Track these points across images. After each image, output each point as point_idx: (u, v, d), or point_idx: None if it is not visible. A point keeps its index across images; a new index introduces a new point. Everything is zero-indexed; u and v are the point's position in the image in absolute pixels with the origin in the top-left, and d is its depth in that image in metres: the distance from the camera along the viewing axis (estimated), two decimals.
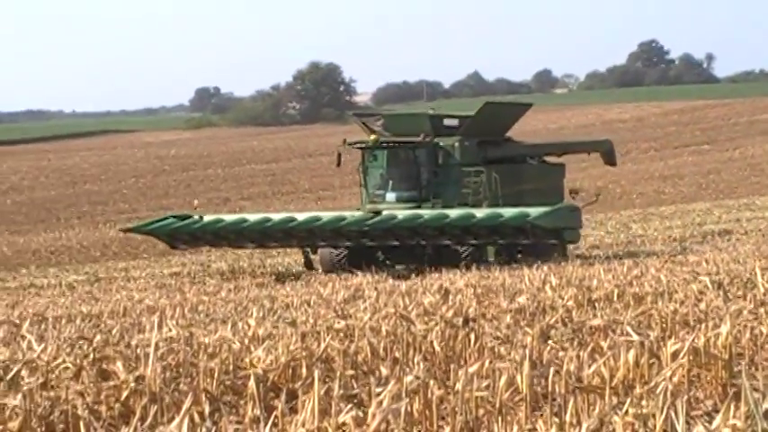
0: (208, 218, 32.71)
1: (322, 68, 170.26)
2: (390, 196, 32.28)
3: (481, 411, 8.85)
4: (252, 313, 16.90)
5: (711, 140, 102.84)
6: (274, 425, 7.63)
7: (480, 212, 29.91)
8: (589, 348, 10.77)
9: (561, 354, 10.84)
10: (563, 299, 16.04)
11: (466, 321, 13.53)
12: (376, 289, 21.73)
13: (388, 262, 31.24)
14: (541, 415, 8.78)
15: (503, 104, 36.92)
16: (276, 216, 31.98)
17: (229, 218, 32.81)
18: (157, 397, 9.92)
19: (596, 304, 15.70)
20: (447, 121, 33.49)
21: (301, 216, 31.49)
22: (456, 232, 29.76)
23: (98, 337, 13.95)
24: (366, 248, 30.92)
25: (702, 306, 13.97)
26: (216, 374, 10.77)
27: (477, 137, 32.83)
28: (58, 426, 9.47)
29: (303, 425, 7.75)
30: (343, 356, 11.62)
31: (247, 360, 11.24)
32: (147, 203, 75.94)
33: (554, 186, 33.73)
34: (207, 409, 9.75)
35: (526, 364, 9.16)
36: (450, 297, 17.64)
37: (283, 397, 9.09)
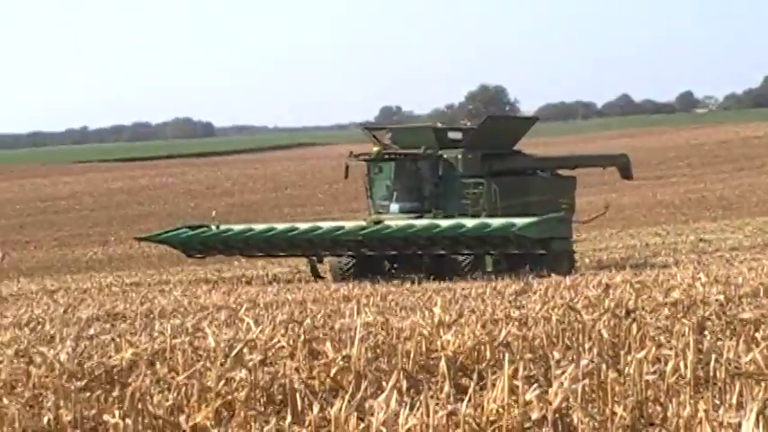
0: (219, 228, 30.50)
1: (490, 90, 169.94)
2: (394, 207, 29.83)
3: (649, 393, 8.69)
4: (437, 303, 16.85)
5: None
6: (469, 400, 7.54)
7: (469, 222, 27.74)
8: (743, 338, 10.53)
9: (719, 343, 10.60)
10: (713, 294, 15.72)
11: (628, 313, 13.33)
12: (543, 283, 21.55)
13: (393, 272, 28.76)
14: (702, 397, 8.60)
15: (505, 118, 35.59)
16: (280, 226, 30.22)
17: (237, 227, 30.85)
18: (362, 374, 9.92)
19: (743, 299, 15.37)
20: (451, 134, 30.97)
21: (303, 225, 29.81)
22: (446, 242, 27.47)
23: (307, 321, 14.03)
24: (373, 258, 28.64)
25: None
26: (411, 355, 10.76)
27: (481, 149, 30.23)
28: (276, 397, 9.52)
29: (495, 401, 7.66)
30: (522, 342, 11.51)
31: (438, 343, 11.19)
32: (338, 206, 76.46)
33: (564, 198, 30.90)
34: (404, 386, 9.70)
35: (690, 351, 8.97)
36: (611, 291, 17.43)
37: (476, 376, 9.02)
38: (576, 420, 7.91)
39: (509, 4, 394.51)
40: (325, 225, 29.31)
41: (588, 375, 8.90)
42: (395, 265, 28.85)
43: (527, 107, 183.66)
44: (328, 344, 10.90)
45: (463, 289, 21.61)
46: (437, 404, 7.42)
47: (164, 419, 8.47)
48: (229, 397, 9.06)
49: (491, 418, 7.49)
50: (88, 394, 9.34)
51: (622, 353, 10.50)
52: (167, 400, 9.01)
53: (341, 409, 7.37)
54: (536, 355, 11.09)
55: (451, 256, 28.16)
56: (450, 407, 7.44)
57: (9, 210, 74.59)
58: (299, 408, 8.86)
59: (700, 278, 18.99)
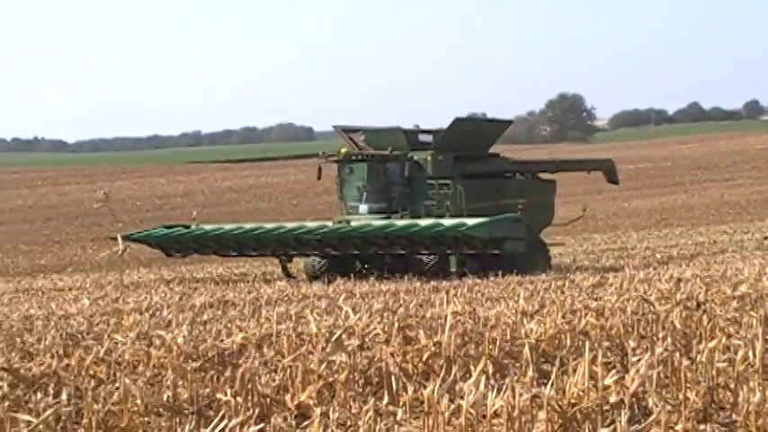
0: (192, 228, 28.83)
1: (568, 98, 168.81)
2: (363, 208, 28.00)
3: (720, 379, 8.58)
4: (520, 294, 16.77)
5: None
6: (551, 384, 7.49)
7: (423, 222, 26.05)
8: None
9: None
10: None
11: (698, 305, 13.17)
12: (618, 276, 21.36)
13: (364, 271, 26.74)
14: None
15: (474, 121, 30.46)
16: (247, 225, 28.45)
17: (208, 227, 28.90)
18: (452, 359, 9.90)
19: None
20: (422, 137, 28.81)
21: (269, 225, 28.04)
22: (402, 241, 25.63)
23: (400, 310, 14.03)
24: (344, 258, 26.82)
25: None
26: (497, 342, 10.72)
27: (452, 152, 28.07)
28: (373, 379, 9.52)
29: (575, 385, 7.60)
30: (599, 331, 11.42)
31: (522, 331, 11.14)
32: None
33: (542, 201, 28.86)
34: (491, 370, 9.67)
35: (758, 341, 8.84)
36: (682, 285, 17.23)
37: (557, 363, 8.96)
38: (651, 404, 7.84)
39: (589, 19, 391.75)
40: (289, 225, 27.69)
41: (662, 363, 8.82)
42: (366, 265, 27.11)
43: (603, 114, 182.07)
44: (421, 331, 10.90)
45: (543, 282, 21.49)
46: (522, 387, 7.38)
47: (271, 398, 8.51)
48: (330, 378, 9.08)
49: (572, 401, 7.44)
50: (203, 374, 9.42)
51: (694, 342, 10.40)
52: (274, 381, 9.06)
53: (433, 391, 7.35)
54: (613, 344, 11.00)
55: (416, 256, 26.41)
56: (534, 390, 7.39)
57: (130, 206, 75.38)
58: (395, 389, 8.86)
59: (766, 273, 18.73)
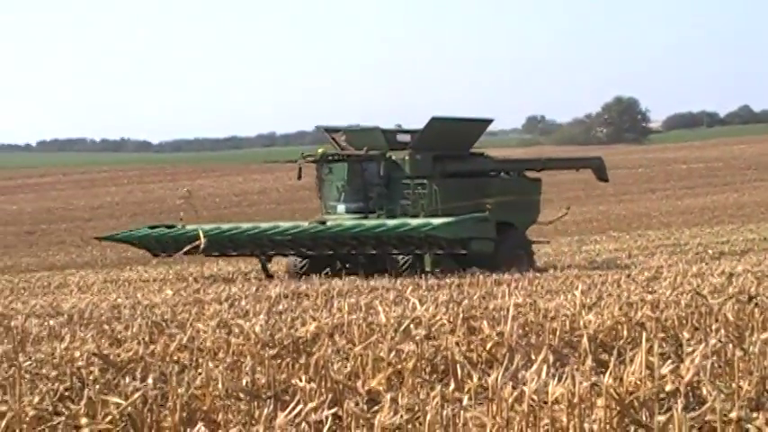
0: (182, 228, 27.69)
1: (624, 101, 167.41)
2: (341, 208, 26.89)
3: None
4: (578, 287, 16.68)
5: None
6: (610, 373, 7.43)
7: (391, 222, 24.89)
8: None
9: None
10: None
11: (750, 298, 13.01)
12: (671, 271, 21.18)
13: (344, 270, 25.44)
14: None
15: (451, 120, 28.30)
16: (225, 225, 27.49)
17: (190, 227, 27.49)
18: (514, 348, 9.86)
19: None
20: (400, 137, 27.51)
21: (245, 225, 27.08)
22: (372, 241, 24.51)
23: (465, 301, 14.00)
24: (325, 258, 25.60)
25: None
26: (557, 333, 10.66)
27: (430, 151, 26.72)
28: (440, 367, 9.50)
29: (633, 374, 7.54)
30: (655, 323, 11.31)
31: (580, 322, 11.07)
32: None
33: (527, 200, 27.55)
34: (551, 359, 9.61)
35: None
36: (734, 279, 17.05)
37: (615, 353, 8.90)
38: (705, 393, 7.76)
39: (644, 26, 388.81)
40: (264, 225, 26.62)
41: (716, 353, 8.73)
42: (347, 265, 25.82)
43: (657, 116, 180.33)
44: (484, 322, 10.86)
45: (600, 276, 21.36)
46: (581, 376, 7.33)
47: (343, 384, 8.53)
48: (399, 366, 9.07)
49: (629, 389, 7.37)
50: (279, 361, 9.45)
51: (746, 334, 10.27)
52: (346, 368, 9.08)
53: (497, 379, 7.32)
54: (668, 335, 10.89)
55: (392, 255, 25.40)
56: (593, 378, 7.34)
57: (210, 203, 75.86)
58: (460, 377, 8.84)
59: None
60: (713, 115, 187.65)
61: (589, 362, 8.52)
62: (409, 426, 7.04)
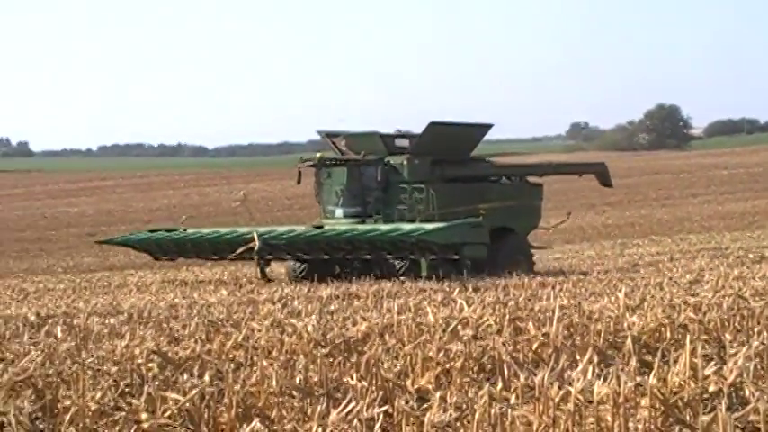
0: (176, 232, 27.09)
1: (666, 109, 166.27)
2: (339, 212, 26.11)
3: None
4: (621, 289, 16.57)
5: None
6: (654, 374, 7.38)
7: (384, 226, 24.13)
8: None
9: None
10: None
11: None
12: (713, 275, 20.98)
13: (342, 274, 24.72)
14: None
15: (449, 125, 26.95)
16: (223, 230, 26.73)
17: (191, 231, 27.01)
18: (559, 349, 9.81)
19: None
20: (398, 142, 26.63)
21: (242, 229, 26.21)
22: (366, 245, 23.72)
23: (511, 303, 13.95)
24: (324, 262, 24.85)
25: None
26: (601, 334, 10.60)
27: (429, 156, 25.84)
28: (486, 367, 9.48)
29: (677, 375, 7.49)
30: (697, 325, 11.21)
31: (624, 324, 11.00)
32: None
33: (528, 205, 26.77)
34: (596, 360, 9.55)
35: None
36: None
37: (659, 354, 8.84)
38: (747, 394, 7.68)
39: (686, 33, 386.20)
40: (261, 229, 25.72)
41: (758, 355, 8.64)
42: (345, 269, 25.08)
43: (698, 123, 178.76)
44: (530, 323, 10.82)
45: (642, 278, 21.22)
46: (626, 376, 7.28)
47: (393, 382, 8.52)
48: (447, 365, 9.06)
49: (673, 390, 7.32)
50: (331, 360, 9.47)
51: None
52: (396, 367, 9.07)
53: (543, 378, 7.28)
54: (710, 337, 10.80)
55: (389, 260, 24.58)
56: (637, 379, 7.29)
57: (263, 206, 76.13)
58: (507, 376, 8.80)
59: None
60: (753, 122, 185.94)
61: (633, 363, 8.45)
62: (458, 423, 7.02)
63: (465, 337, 9.99)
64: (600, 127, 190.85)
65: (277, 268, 27.85)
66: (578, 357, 9.45)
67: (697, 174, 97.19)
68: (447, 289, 19.10)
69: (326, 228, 24.88)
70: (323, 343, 10.24)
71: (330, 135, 27.42)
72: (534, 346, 9.87)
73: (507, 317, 11.41)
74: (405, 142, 26.67)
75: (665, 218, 65.28)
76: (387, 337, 10.90)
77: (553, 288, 18.18)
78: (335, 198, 26.30)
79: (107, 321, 14.38)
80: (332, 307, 15.43)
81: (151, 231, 28.04)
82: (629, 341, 9.88)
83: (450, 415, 6.97)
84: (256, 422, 7.14)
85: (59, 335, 12.31)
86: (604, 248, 40.84)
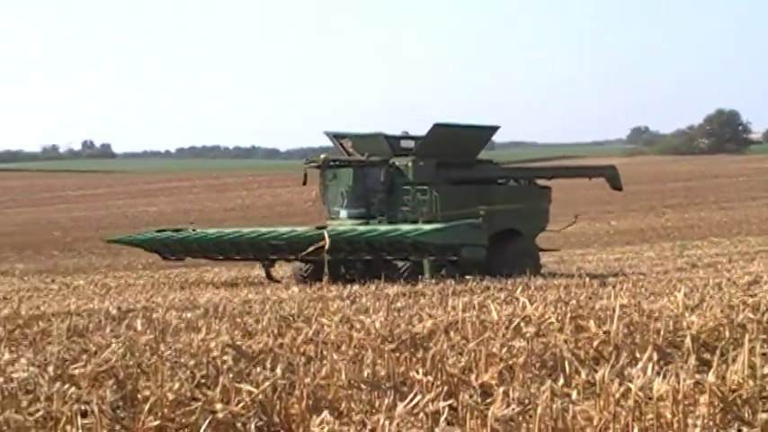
0: (183, 232, 26.67)
1: (725, 114, 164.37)
2: (343, 213, 25.42)
3: None
4: (680, 289, 16.38)
5: None
6: (713, 372, 7.29)
7: (383, 227, 23.43)
8: None
9: None
10: None
11: None
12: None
13: (348, 276, 24.08)
14: None
15: (454, 127, 25.95)
16: (227, 230, 26.28)
17: (201, 231, 26.63)
18: (620, 346, 9.73)
19: None
20: (404, 143, 25.91)
21: (246, 230, 25.73)
22: (366, 246, 23.04)
23: (572, 301, 13.86)
24: (329, 263, 23.88)
25: None
26: (661, 332, 10.49)
27: (434, 157, 25.06)
28: (548, 363, 9.41)
29: (735, 374, 7.39)
30: (756, 324, 11.06)
31: (683, 323, 10.88)
32: (597, 208, 75.53)
33: (536, 207, 26.03)
34: (656, 357, 9.46)
35: None
36: None
37: (718, 353, 8.73)
38: None
39: (745, 39, 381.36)
40: (263, 229, 25.30)
41: None
42: (350, 271, 24.47)
43: (758, 128, 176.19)
44: (591, 321, 10.74)
45: (701, 279, 20.98)
46: (685, 373, 7.20)
47: (457, 377, 8.50)
48: (510, 361, 9.02)
49: (732, 388, 7.22)
50: (397, 355, 9.46)
51: None
52: (460, 362, 9.04)
53: (604, 375, 7.23)
54: None
55: (388, 261, 23.70)
56: (696, 376, 7.20)
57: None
58: (568, 372, 8.75)
59: None
60: None
61: (692, 361, 8.36)
62: (520, 418, 6.99)
63: (527, 334, 9.96)
64: (660, 131, 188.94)
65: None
66: (638, 355, 9.36)
67: (755, 177, 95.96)
68: (510, 288, 19.03)
69: (330, 228, 24.29)
70: (390, 338, 10.24)
71: (337, 136, 26.67)
72: (595, 344, 9.79)
73: (569, 315, 11.32)
74: (410, 144, 26.01)
75: (724, 220, 64.48)
76: (452, 333, 10.87)
77: (614, 288, 18.04)
78: (340, 199, 25.67)
79: (184, 315, 14.51)
80: (398, 304, 15.44)
81: (158, 231, 27.66)
82: (688, 340, 9.78)
83: (513, 409, 6.93)
84: (326, 414, 7.16)
85: (139, 328, 12.44)
86: (664, 250, 40.48)
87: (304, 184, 25.92)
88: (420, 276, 23.06)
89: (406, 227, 23.20)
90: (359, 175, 25.39)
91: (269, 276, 25.57)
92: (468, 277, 21.35)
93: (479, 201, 24.83)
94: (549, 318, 11.35)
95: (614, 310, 11.16)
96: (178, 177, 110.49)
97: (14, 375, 8.62)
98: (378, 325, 10.89)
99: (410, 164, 25.06)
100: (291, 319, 12.95)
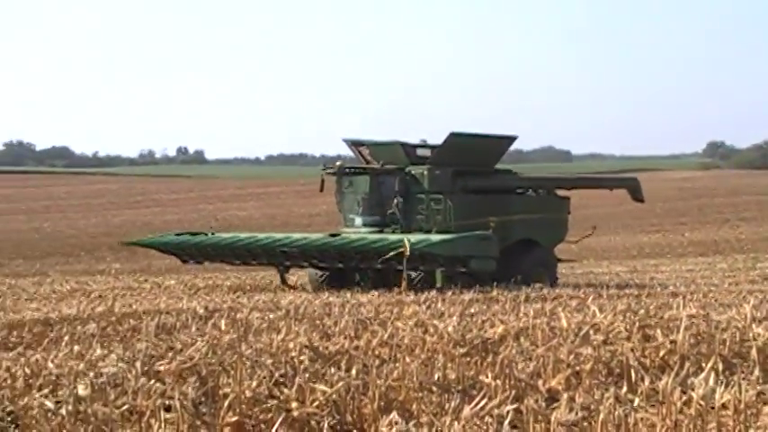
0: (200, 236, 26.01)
1: None
2: (359, 221, 24.59)
3: None
4: (750, 301, 16.12)
5: None
6: None
7: (392, 236, 22.48)
8: None
9: None
10: None
11: None
12: None
13: (362, 284, 23.30)
14: None
15: (471, 136, 24.85)
16: (242, 235, 25.31)
17: (222, 235, 26.01)
18: (685, 356, 9.62)
19: None
20: (420, 151, 24.99)
21: (261, 235, 24.78)
22: (373, 255, 22.06)
23: (641, 311, 13.72)
24: (343, 270, 23.41)
25: None
26: (727, 343, 10.35)
27: (451, 166, 24.17)
28: (615, 370, 9.34)
29: None
30: None
31: (750, 335, 10.71)
32: (669, 220, 74.85)
33: (554, 218, 25.13)
34: (720, 367, 9.34)
35: None
36: None
37: None
38: None
39: None
40: (277, 235, 24.40)
41: None
42: (364, 278, 23.72)
43: None
44: (658, 330, 10.63)
45: None
46: (748, 384, 7.11)
47: (525, 382, 8.48)
48: (577, 368, 8.97)
49: None
50: (468, 359, 9.47)
51: None
52: (528, 368, 9.02)
53: (668, 384, 7.16)
54: None
55: (399, 270, 22.29)
56: (759, 387, 7.11)
57: None
58: (633, 380, 8.68)
59: None
60: None
61: (757, 372, 8.25)
62: (584, 423, 6.96)
63: (595, 342, 9.89)
64: (736, 146, 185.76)
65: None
66: (703, 365, 9.25)
67: None
68: (582, 296, 18.87)
69: (343, 236, 23.59)
70: (461, 343, 10.24)
71: (356, 144, 25.88)
72: (661, 353, 9.69)
73: (637, 324, 11.22)
74: (426, 152, 25.18)
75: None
76: (521, 339, 10.84)
77: (683, 298, 17.81)
78: (356, 207, 24.89)
79: (266, 316, 14.63)
80: (472, 309, 15.41)
81: (177, 234, 27.03)
82: (753, 351, 9.63)
83: (577, 414, 6.90)
84: (394, 414, 7.19)
85: (223, 327, 12.59)
86: (737, 261, 39.85)
87: (321, 190, 25.44)
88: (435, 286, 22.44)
89: (414, 237, 22.36)
90: (374, 182, 24.65)
91: (284, 282, 25.01)
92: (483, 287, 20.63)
93: (496, 210, 24.21)
94: (618, 326, 11.26)
95: (682, 321, 11.03)
96: (266, 183, 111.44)
97: (104, 370, 8.80)
98: (450, 329, 10.90)
99: (425, 172, 24.34)
100: (368, 322, 13.00)
